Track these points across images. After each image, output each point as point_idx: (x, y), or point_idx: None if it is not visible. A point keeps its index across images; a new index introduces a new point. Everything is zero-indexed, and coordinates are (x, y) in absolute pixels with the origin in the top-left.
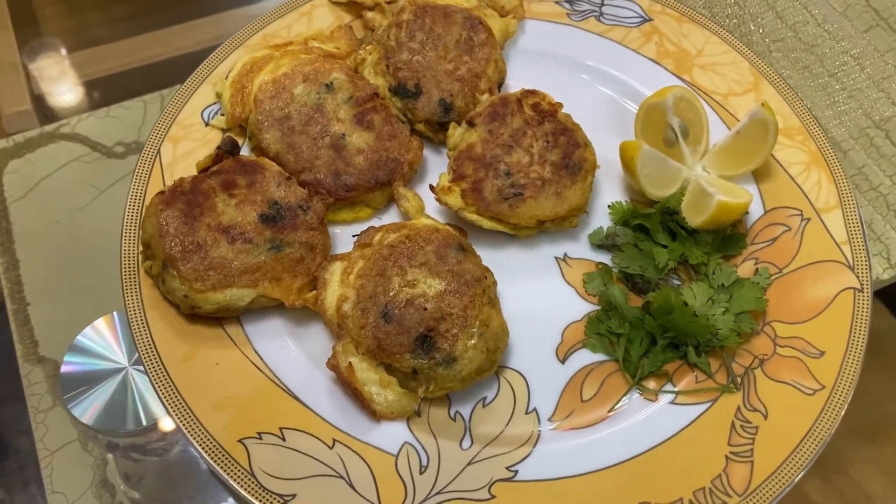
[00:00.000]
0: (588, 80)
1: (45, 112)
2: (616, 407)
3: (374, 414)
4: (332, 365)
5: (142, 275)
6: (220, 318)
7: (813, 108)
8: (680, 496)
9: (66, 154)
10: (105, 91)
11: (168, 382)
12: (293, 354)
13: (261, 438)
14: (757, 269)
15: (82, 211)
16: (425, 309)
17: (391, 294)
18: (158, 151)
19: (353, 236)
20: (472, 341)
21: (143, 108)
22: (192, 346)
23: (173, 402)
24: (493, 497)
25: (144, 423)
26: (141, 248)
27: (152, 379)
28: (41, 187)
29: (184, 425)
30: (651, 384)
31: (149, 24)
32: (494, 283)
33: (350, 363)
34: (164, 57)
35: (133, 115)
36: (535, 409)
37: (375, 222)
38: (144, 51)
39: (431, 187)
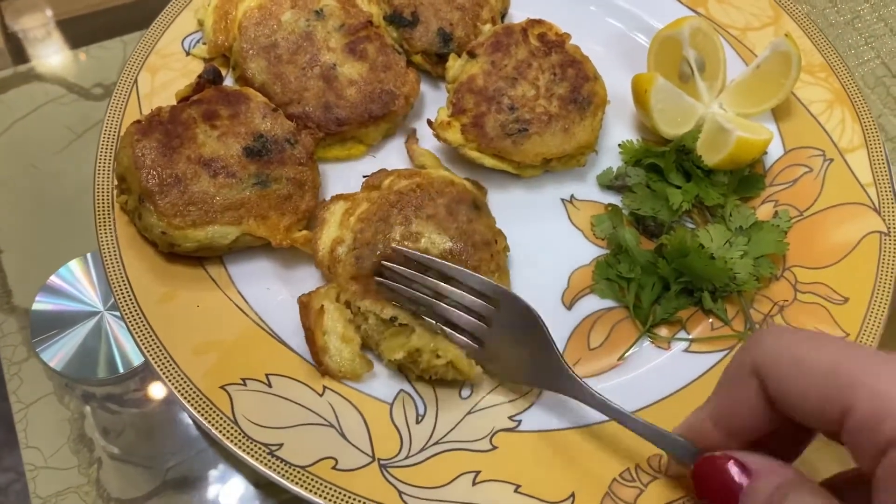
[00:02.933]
0: (596, 12)
1: (18, 51)
2: (626, 355)
3: (320, 364)
4: (303, 301)
5: (117, 211)
6: (202, 257)
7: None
8: None
9: (41, 96)
10: (83, 30)
11: (144, 325)
12: (280, 297)
13: (245, 385)
14: (776, 211)
15: (58, 155)
16: (427, 269)
17: (391, 244)
18: (135, 81)
19: (364, 177)
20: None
21: (122, 49)
22: (170, 287)
23: (150, 345)
24: (495, 448)
25: (121, 369)
26: (116, 182)
27: (127, 321)
28: (15, 130)
29: (161, 370)
30: (663, 332)
31: None
32: (506, 248)
33: (322, 306)
34: None
35: (112, 56)
36: None
37: (369, 160)
38: None
39: (429, 122)
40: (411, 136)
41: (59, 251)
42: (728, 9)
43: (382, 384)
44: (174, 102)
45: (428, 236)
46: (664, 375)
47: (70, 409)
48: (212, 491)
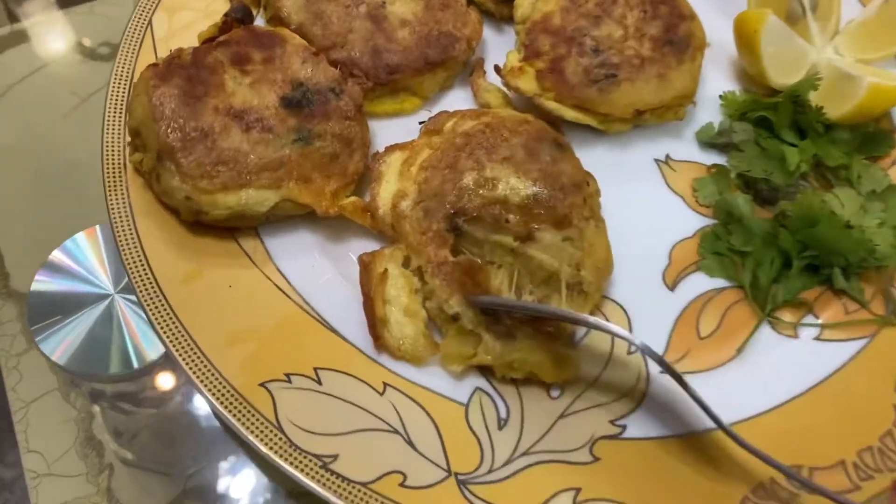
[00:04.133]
0: None
1: (15, 6)
2: (745, 345)
3: (377, 339)
4: (364, 261)
5: (130, 173)
6: (233, 228)
7: None
8: (840, 458)
9: (41, 56)
10: None
11: (166, 310)
12: (328, 276)
13: (290, 382)
14: None
15: (62, 121)
16: (507, 220)
17: (464, 193)
18: (150, 22)
19: (420, 123)
20: (568, 269)
21: (133, 3)
22: (197, 263)
23: (173, 335)
24: (597, 459)
25: (136, 364)
26: (129, 139)
27: (145, 304)
28: (13, 94)
29: (188, 365)
30: (786, 316)
31: None
32: (598, 192)
33: (386, 270)
34: None
35: (121, 12)
36: (638, 350)
37: (424, 115)
38: None
39: (497, 69)
40: (478, 69)
41: (64, 227)
42: None
43: (453, 381)
44: (196, 46)
45: (506, 181)
46: (793, 369)
47: (77, 407)
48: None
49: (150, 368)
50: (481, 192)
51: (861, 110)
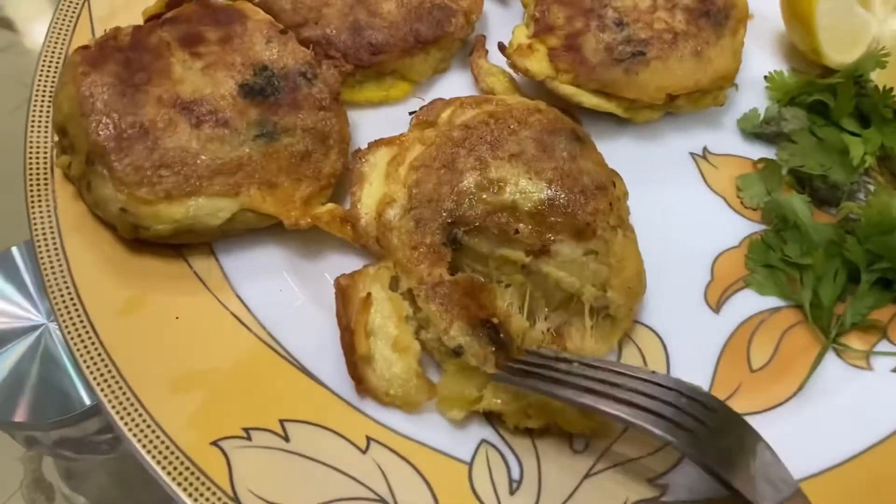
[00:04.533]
0: None
1: None
2: (808, 380)
3: (359, 382)
4: (343, 285)
5: (59, 180)
6: (182, 245)
7: None
8: None
9: None
10: None
11: (97, 349)
12: (298, 303)
13: (250, 438)
14: None
15: (10, 115)
16: (516, 231)
17: (464, 198)
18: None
19: (410, 113)
20: (593, 290)
21: None
22: (137, 289)
23: (105, 381)
24: None
25: (85, 403)
26: (55, 138)
27: (71, 343)
28: None
29: (121, 418)
30: (855, 342)
31: None
32: (626, 194)
33: (369, 294)
34: None
35: None
36: None
37: (415, 104)
38: None
39: (501, 47)
40: (478, 47)
41: (4, 239)
42: None
43: (453, 432)
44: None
45: (515, 183)
46: (869, 409)
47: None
48: None
49: (94, 411)
50: (485, 196)
51: None
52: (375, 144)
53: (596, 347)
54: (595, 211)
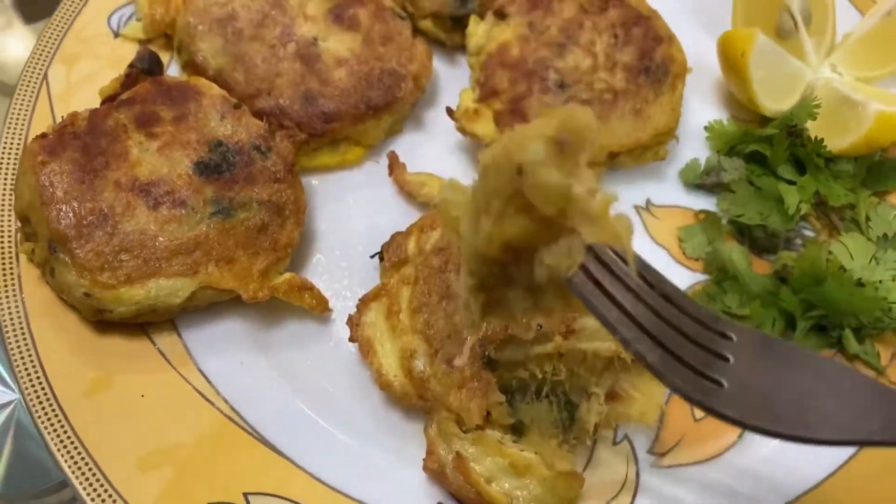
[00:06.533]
0: None
1: None
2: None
3: None
4: (434, 469)
5: (24, 263)
6: (146, 323)
7: None
8: None
9: None
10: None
11: (65, 430)
12: (260, 374)
13: None
14: None
15: None
16: (540, 326)
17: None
18: (45, 77)
19: (371, 257)
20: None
21: None
22: (103, 369)
23: (74, 462)
24: None
25: (55, 477)
26: (18, 224)
27: (40, 425)
28: None
29: (91, 498)
30: None
31: None
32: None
33: (458, 454)
34: None
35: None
36: (626, 438)
37: (370, 167)
38: None
39: (449, 111)
40: (395, 165)
41: None
42: None
43: (417, 495)
44: (99, 103)
45: None
46: (802, 459)
47: None
48: None
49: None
50: None
51: (868, 142)
52: (362, 305)
53: (653, 390)
54: None
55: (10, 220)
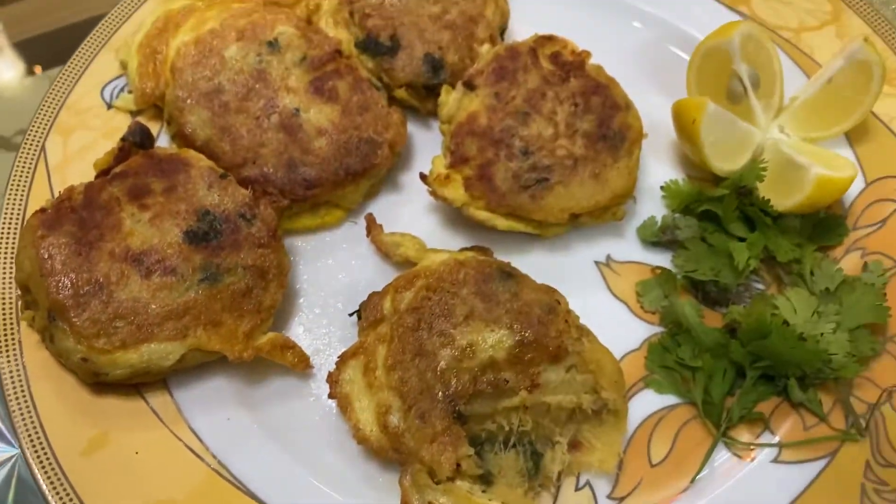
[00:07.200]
0: (615, 18)
1: None
2: (699, 473)
3: None
4: None
5: (24, 329)
6: (139, 383)
7: None
8: None
9: None
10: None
11: (63, 487)
12: (245, 429)
13: None
14: (866, 263)
15: None
16: (506, 381)
17: (449, 376)
18: (43, 148)
19: (350, 315)
20: (588, 397)
21: (48, 86)
22: (99, 428)
23: None
24: None
25: None
26: (19, 293)
27: (40, 482)
28: None
29: None
30: (743, 434)
31: None
32: (567, 303)
33: None
34: (71, 21)
35: (33, 96)
36: (587, 484)
37: (348, 228)
38: (45, 14)
39: (423, 177)
40: (372, 226)
41: None
42: (776, 5)
43: None
44: (94, 174)
45: (483, 340)
46: (752, 496)
47: None
48: None
49: None
50: (465, 364)
51: (811, 203)
52: (341, 362)
53: (613, 439)
54: (558, 333)
55: (10, 289)
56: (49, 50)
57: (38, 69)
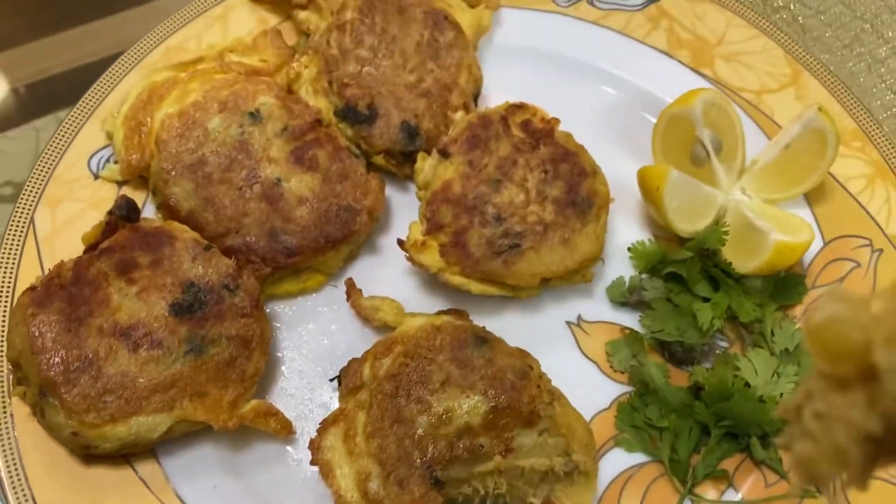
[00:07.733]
0: (585, 83)
1: None
2: None
3: None
4: None
5: (15, 402)
6: (128, 454)
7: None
8: None
9: None
10: None
11: None
12: (231, 496)
13: None
14: None
15: None
16: (481, 447)
17: (427, 442)
18: (31, 220)
19: (330, 380)
20: (560, 460)
21: (34, 137)
22: (90, 498)
23: None
24: None
25: None
26: (10, 368)
27: None
28: None
29: None
30: (709, 492)
31: (41, 25)
32: (539, 366)
33: None
34: (58, 70)
35: (23, 147)
36: None
37: (329, 291)
38: (31, 63)
39: (400, 243)
40: (352, 291)
41: None
42: (739, 68)
43: None
44: (82, 247)
45: (458, 407)
46: None
47: None
48: None
49: None
50: (441, 431)
51: (770, 266)
52: (323, 428)
53: (584, 499)
54: (531, 398)
55: (1, 363)
56: (43, 100)
57: None
